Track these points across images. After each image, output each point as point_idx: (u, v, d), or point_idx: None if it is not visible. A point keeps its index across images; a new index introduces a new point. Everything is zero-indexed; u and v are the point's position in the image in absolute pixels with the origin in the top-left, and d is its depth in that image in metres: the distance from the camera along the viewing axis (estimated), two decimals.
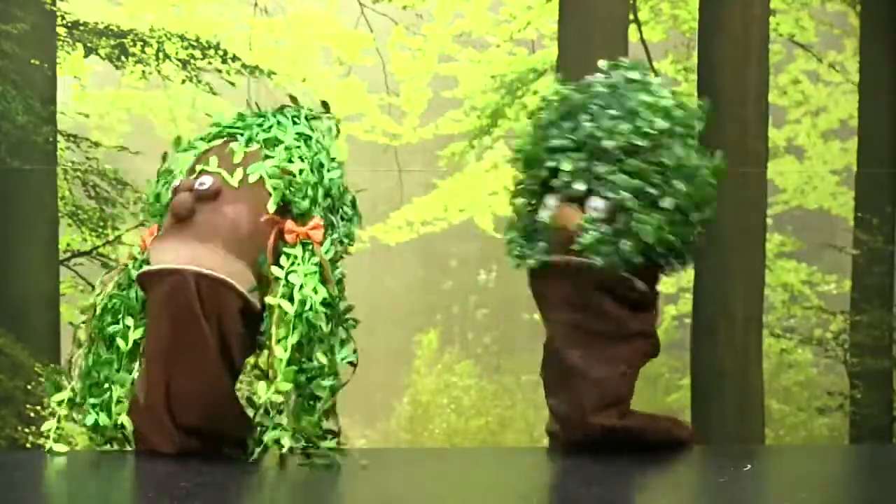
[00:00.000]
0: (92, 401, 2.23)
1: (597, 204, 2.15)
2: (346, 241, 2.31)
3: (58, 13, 3.43)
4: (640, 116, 2.17)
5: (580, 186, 2.17)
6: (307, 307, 2.17)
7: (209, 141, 2.29)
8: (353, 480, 2.10)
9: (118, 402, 2.22)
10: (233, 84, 3.45)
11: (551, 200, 2.21)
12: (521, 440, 3.52)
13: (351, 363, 2.23)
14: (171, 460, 2.14)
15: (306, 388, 2.17)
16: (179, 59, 3.45)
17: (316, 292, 2.20)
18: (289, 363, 2.15)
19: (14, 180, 3.41)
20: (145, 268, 2.20)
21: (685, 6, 3.56)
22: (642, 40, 3.57)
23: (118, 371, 2.22)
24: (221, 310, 2.17)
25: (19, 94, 3.41)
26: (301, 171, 2.26)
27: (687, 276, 3.57)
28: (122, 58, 3.46)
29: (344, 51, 3.53)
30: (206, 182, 2.20)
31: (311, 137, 2.33)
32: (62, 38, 3.43)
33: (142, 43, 3.46)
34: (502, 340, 3.51)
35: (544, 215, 2.21)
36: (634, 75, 2.24)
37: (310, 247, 2.24)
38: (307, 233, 2.24)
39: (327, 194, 2.30)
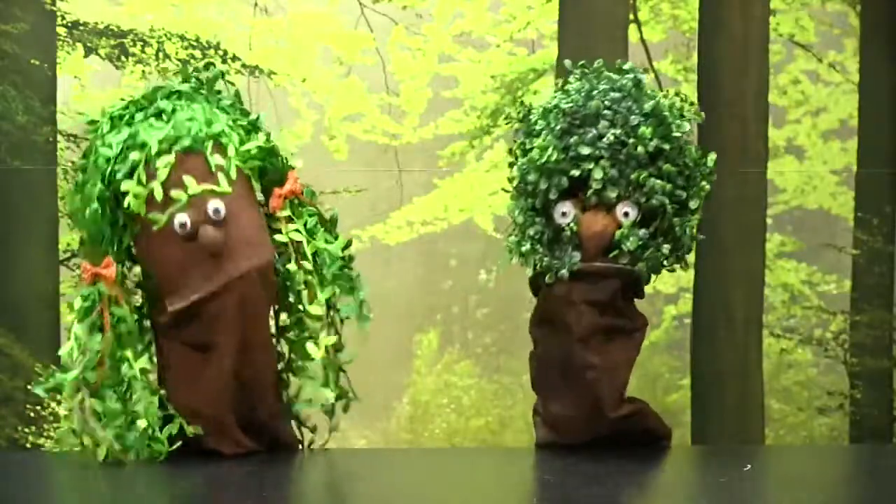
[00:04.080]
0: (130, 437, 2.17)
1: (628, 209, 2.18)
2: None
3: (58, 13, 3.43)
4: (663, 120, 2.21)
5: (612, 194, 2.19)
6: (331, 261, 2.18)
7: (154, 162, 2.13)
8: (353, 480, 2.10)
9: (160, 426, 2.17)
10: (233, 84, 3.44)
11: (568, 207, 2.21)
12: (521, 440, 3.52)
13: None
14: (168, 460, 2.13)
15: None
16: (179, 59, 3.45)
17: (331, 241, 2.23)
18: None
19: (14, 180, 3.41)
20: (205, 290, 2.13)
21: (685, 6, 3.56)
22: (642, 40, 3.57)
23: (150, 404, 2.17)
24: (274, 288, 2.22)
25: (19, 94, 3.41)
26: (255, 143, 2.25)
27: (687, 276, 3.57)
28: (122, 58, 3.46)
29: (344, 51, 3.53)
30: (220, 209, 2.14)
31: (231, 104, 2.28)
32: (62, 38, 3.43)
33: (142, 43, 3.46)
34: (502, 340, 3.51)
35: (566, 222, 2.21)
36: (644, 77, 2.28)
37: (296, 202, 2.23)
38: (291, 190, 2.24)
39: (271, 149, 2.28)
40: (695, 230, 2.26)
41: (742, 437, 3.51)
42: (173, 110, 2.18)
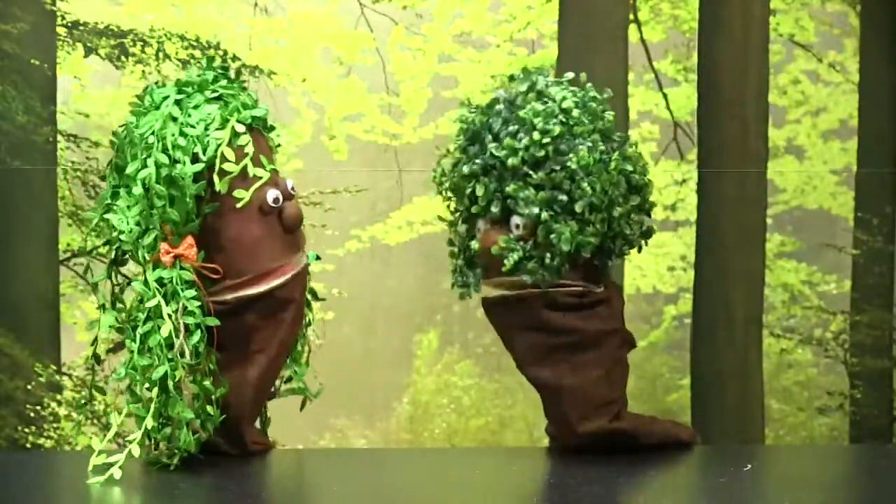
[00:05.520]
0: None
1: (517, 222, 2.16)
2: None
3: (58, 13, 3.43)
4: (535, 128, 2.14)
5: (496, 209, 2.17)
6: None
7: (237, 140, 2.13)
8: (353, 480, 2.10)
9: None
10: None
11: (481, 224, 2.21)
12: (521, 440, 3.52)
13: None
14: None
15: None
16: (179, 59, 3.45)
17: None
18: None
19: (14, 180, 3.41)
20: (282, 278, 2.16)
21: (685, 6, 3.56)
22: (642, 40, 3.57)
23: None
24: None
25: (19, 94, 3.41)
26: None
27: (687, 276, 3.57)
28: (122, 58, 3.46)
29: (344, 51, 3.53)
30: (294, 185, 2.21)
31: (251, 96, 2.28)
32: (62, 38, 3.43)
33: (142, 43, 3.46)
34: None
35: (474, 242, 2.22)
36: (523, 87, 2.21)
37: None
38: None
39: None
40: (581, 234, 2.12)
41: (742, 437, 3.51)
42: (226, 95, 2.18)
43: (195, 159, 2.09)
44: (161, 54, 3.46)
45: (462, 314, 3.56)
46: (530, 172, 2.14)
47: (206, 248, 2.13)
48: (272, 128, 2.25)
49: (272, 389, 2.29)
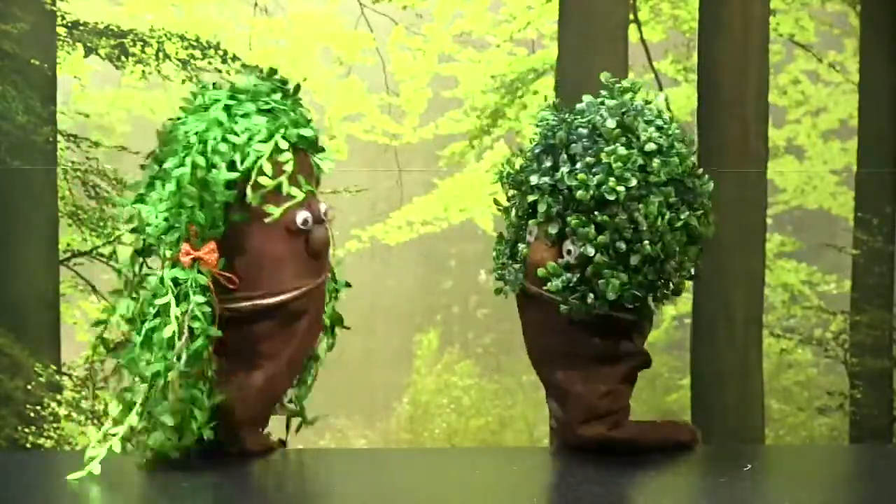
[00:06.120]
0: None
1: (570, 248, 2.14)
2: None
3: (58, 13, 3.43)
4: (613, 172, 2.10)
5: (553, 230, 2.16)
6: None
7: (278, 156, 2.11)
8: (353, 480, 2.10)
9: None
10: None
11: (534, 229, 2.19)
12: (521, 440, 3.52)
13: None
14: (169, 460, 2.13)
15: None
16: (179, 59, 3.45)
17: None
18: None
19: (14, 180, 3.41)
20: (297, 291, 2.17)
21: (685, 6, 3.57)
22: (642, 40, 3.57)
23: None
24: None
25: (19, 94, 3.41)
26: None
27: None
28: (122, 58, 3.46)
29: (344, 51, 3.53)
30: (329, 210, 2.20)
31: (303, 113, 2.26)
32: (62, 38, 3.43)
33: (142, 43, 3.46)
34: (502, 340, 3.50)
35: (523, 246, 2.21)
36: (611, 123, 2.13)
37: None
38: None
39: None
40: (630, 286, 2.10)
41: (742, 437, 3.51)
42: (277, 109, 2.16)
43: (232, 167, 2.08)
44: (161, 54, 3.46)
45: (462, 314, 3.56)
46: (596, 212, 2.11)
47: (228, 257, 2.12)
48: (321, 149, 2.23)
49: (286, 401, 2.29)
